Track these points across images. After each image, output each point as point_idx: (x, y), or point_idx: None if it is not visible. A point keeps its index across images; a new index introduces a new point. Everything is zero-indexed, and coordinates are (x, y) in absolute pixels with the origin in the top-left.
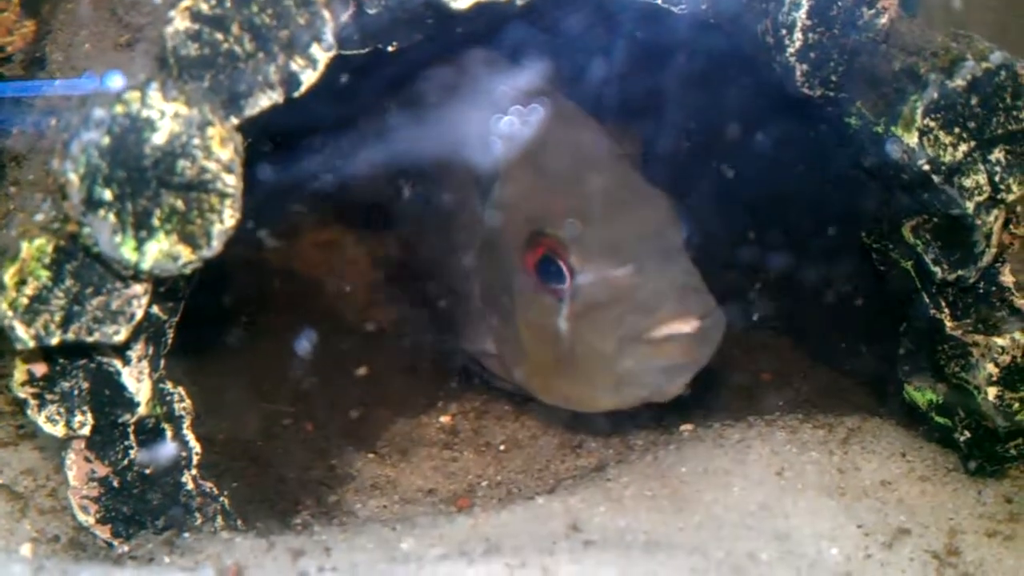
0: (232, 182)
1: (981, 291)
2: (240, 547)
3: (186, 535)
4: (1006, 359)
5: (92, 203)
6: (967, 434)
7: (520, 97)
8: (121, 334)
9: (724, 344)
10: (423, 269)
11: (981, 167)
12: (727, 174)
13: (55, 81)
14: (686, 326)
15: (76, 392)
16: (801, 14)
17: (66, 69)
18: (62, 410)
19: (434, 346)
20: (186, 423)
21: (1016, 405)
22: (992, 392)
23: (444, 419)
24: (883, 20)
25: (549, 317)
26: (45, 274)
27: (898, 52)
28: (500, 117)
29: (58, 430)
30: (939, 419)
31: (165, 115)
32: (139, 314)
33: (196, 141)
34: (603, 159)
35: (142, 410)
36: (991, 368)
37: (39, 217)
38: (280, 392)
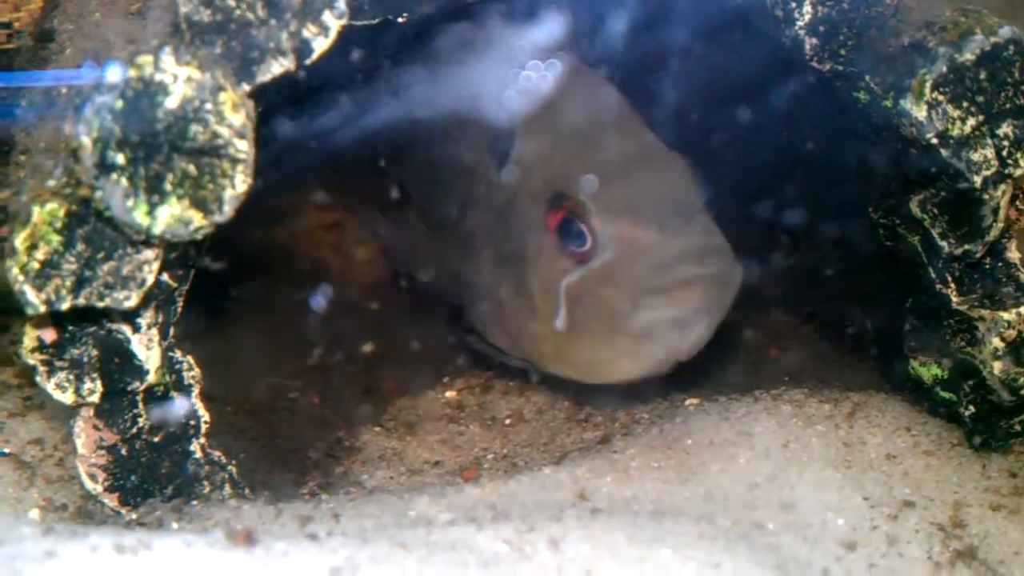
0: (244, 147)
1: (987, 266)
2: (248, 514)
3: (194, 503)
4: (1012, 333)
5: (105, 167)
6: (972, 409)
7: (536, 64)
8: (132, 299)
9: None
10: (432, 237)
11: (989, 141)
12: (731, 149)
13: (55, 72)
14: (704, 274)
15: (85, 359)
16: None
17: (77, 38)
18: (71, 377)
19: (442, 321)
20: (195, 391)
21: (1021, 379)
22: (998, 366)
23: (450, 394)
24: None
25: (565, 278)
26: (57, 239)
27: (907, 26)
28: (516, 82)
29: (67, 397)
30: (944, 394)
31: (178, 79)
32: (150, 280)
33: (208, 106)
34: (622, 121)
35: (151, 378)
36: (997, 342)
37: (51, 182)
38: (287, 366)
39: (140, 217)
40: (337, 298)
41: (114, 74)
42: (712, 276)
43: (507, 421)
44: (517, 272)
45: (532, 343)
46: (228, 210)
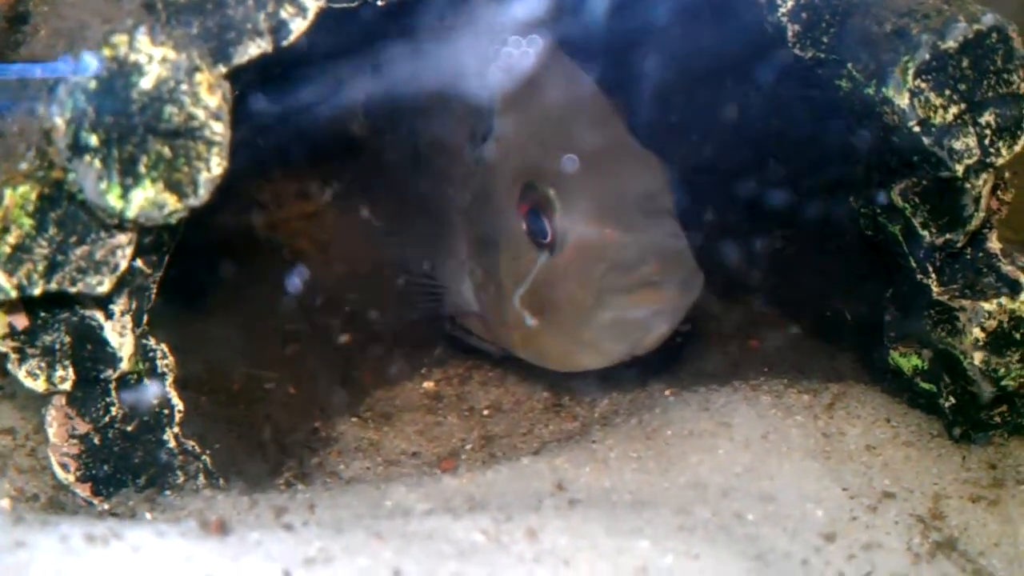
0: (220, 130)
1: (968, 256)
2: (222, 504)
3: (167, 493)
4: (992, 324)
5: (78, 148)
6: (952, 400)
7: (517, 40)
8: (104, 285)
9: (711, 309)
10: (408, 222)
11: (971, 130)
12: (711, 140)
13: (29, 65)
14: (666, 278)
15: (58, 346)
16: None
17: (52, 19)
18: (43, 364)
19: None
20: (169, 380)
21: (1002, 370)
22: (978, 357)
23: (428, 385)
24: None
25: (533, 268)
26: (28, 222)
27: (890, 14)
28: (496, 60)
29: (39, 384)
30: (924, 385)
31: (153, 59)
32: (123, 265)
33: (184, 87)
34: (598, 115)
35: (124, 366)
36: (977, 332)
37: (23, 165)
38: (264, 357)
39: (114, 200)
40: (314, 287)
41: (92, 64)
42: (673, 279)
43: (485, 411)
44: (491, 257)
45: (503, 329)
46: (203, 193)
